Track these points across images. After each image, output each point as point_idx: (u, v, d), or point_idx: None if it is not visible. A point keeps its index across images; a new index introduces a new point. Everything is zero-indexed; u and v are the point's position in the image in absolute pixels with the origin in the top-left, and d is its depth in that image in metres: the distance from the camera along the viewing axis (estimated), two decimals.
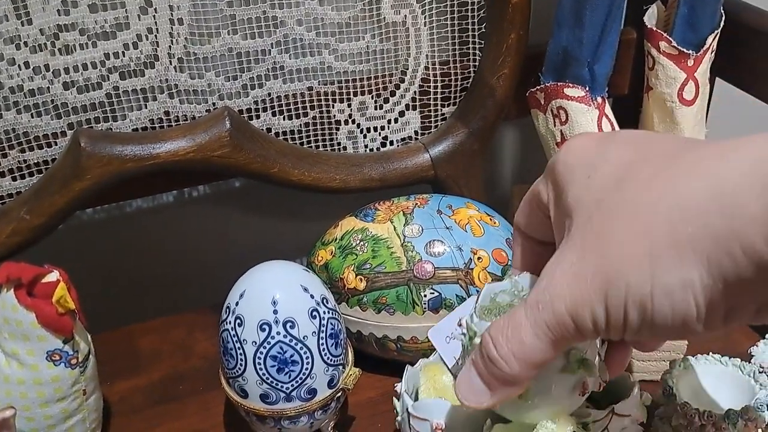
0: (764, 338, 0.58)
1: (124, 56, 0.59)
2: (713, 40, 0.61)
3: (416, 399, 0.51)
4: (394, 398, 0.52)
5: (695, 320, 0.31)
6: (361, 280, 0.59)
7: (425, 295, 0.58)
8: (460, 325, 0.48)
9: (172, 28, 0.59)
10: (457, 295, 0.58)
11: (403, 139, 0.71)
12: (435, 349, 0.53)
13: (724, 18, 0.61)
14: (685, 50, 0.60)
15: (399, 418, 0.51)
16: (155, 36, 0.59)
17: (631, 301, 0.31)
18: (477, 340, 0.43)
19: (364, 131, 0.69)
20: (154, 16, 0.58)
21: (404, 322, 0.59)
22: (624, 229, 0.31)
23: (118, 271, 0.75)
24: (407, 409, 0.49)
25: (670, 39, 0.60)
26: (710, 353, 0.55)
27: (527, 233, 0.43)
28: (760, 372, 0.52)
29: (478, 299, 0.46)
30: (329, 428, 0.57)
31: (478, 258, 0.59)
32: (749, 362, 0.55)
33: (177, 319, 0.72)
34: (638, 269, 0.31)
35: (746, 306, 0.30)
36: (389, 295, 0.59)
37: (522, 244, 0.44)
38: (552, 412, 0.45)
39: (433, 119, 0.71)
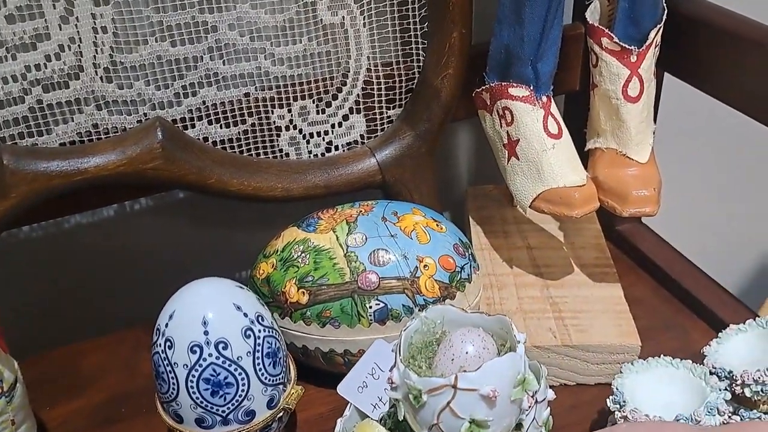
0: (718, 336, 0.57)
1: (46, 68, 0.56)
2: (656, 34, 0.59)
3: None
4: None
5: None
6: (303, 293, 0.57)
7: (371, 307, 0.56)
8: (390, 382, 0.46)
9: (96, 36, 0.56)
10: (403, 305, 0.56)
11: (348, 144, 0.69)
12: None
13: (666, 11, 0.60)
14: (627, 46, 0.58)
15: None
16: (78, 46, 0.56)
17: None
18: (424, 398, 0.43)
19: (307, 137, 0.67)
20: (76, 25, 0.55)
21: (350, 335, 0.57)
22: None
23: (59, 290, 0.72)
24: None
25: (612, 35, 0.59)
26: (662, 355, 0.54)
27: None
28: (711, 374, 0.51)
29: (399, 351, 0.45)
30: None
31: (425, 266, 0.57)
32: (702, 363, 0.54)
33: (122, 336, 0.69)
34: None
35: None
36: (333, 308, 0.56)
37: None
38: None
39: (378, 122, 0.69)
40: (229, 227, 0.76)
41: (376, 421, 0.51)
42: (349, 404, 0.52)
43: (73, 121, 0.59)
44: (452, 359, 0.45)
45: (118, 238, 0.72)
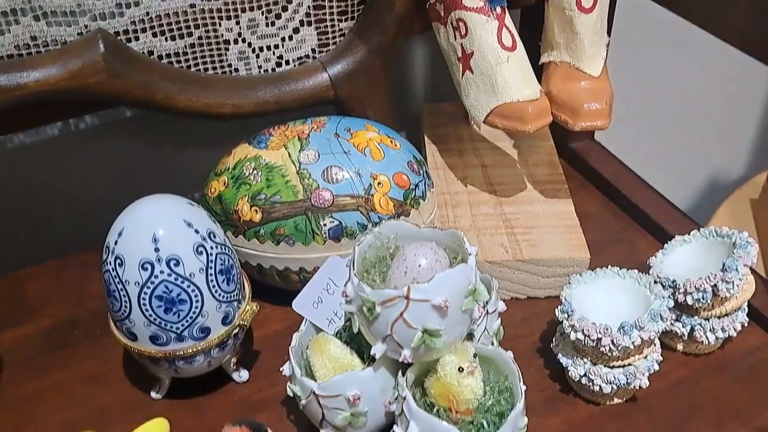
0: (663, 248, 0.58)
1: None
2: None
3: (313, 378, 0.49)
4: (288, 385, 0.50)
5: None
6: (256, 211, 0.56)
7: (325, 225, 0.56)
8: (344, 296, 0.46)
9: None
10: (358, 223, 0.56)
11: (299, 59, 0.67)
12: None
13: None
14: None
15: (303, 401, 0.49)
16: None
17: None
18: (378, 309, 0.43)
19: (257, 51, 0.65)
20: None
21: (305, 252, 0.57)
22: None
23: (1, 214, 0.70)
24: (313, 391, 0.47)
25: None
26: (609, 266, 0.55)
27: None
28: (655, 282, 0.53)
29: (353, 265, 0.45)
30: (231, 365, 0.55)
31: (379, 183, 0.57)
32: (648, 273, 0.56)
33: (69, 261, 0.68)
34: None
35: None
36: (287, 225, 0.56)
37: None
38: (454, 343, 0.45)
39: (330, 36, 0.67)
40: (180, 147, 0.75)
41: (332, 335, 0.51)
42: (304, 320, 0.52)
43: (9, 32, 0.56)
44: (405, 272, 0.45)
45: (63, 160, 0.70)
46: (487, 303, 0.53)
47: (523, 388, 0.46)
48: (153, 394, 0.55)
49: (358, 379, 0.47)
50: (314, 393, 0.47)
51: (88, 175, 0.72)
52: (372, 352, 0.46)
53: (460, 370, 0.45)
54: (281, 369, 0.50)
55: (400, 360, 0.45)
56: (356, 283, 0.45)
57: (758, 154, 1.19)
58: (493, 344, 0.52)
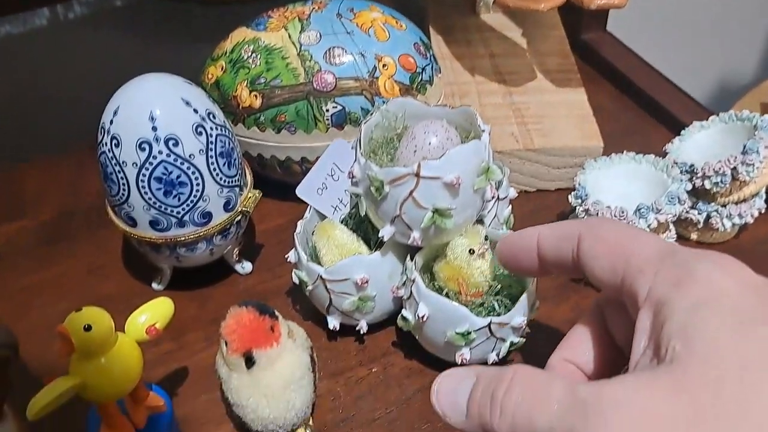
0: (680, 134, 0.56)
1: None
2: None
3: (320, 263, 0.48)
4: (294, 271, 0.48)
5: None
6: (255, 96, 0.54)
7: (327, 110, 0.54)
8: (351, 177, 0.44)
9: None
10: (362, 108, 0.54)
11: None
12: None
13: None
14: None
15: (310, 287, 0.47)
16: None
17: None
18: (387, 189, 0.42)
19: None
20: None
21: (307, 141, 0.55)
22: None
23: None
24: (320, 276, 0.46)
25: None
26: (625, 152, 0.53)
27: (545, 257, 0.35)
28: (672, 166, 0.51)
29: (359, 144, 0.43)
30: (234, 256, 0.54)
31: (384, 65, 0.54)
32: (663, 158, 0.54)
33: (63, 156, 0.66)
34: None
35: None
36: (288, 111, 0.54)
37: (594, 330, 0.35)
38: (465, 225, 0.44)
39: None
40: (174, 38, 0.71)
41: (338, 222, 0.50)
42: (309, 207, 0.50)
43: None
44: (415, 151, 0.43)
45: (53, 52, 0.67)
46: (499, 185, 0.52)
47: None
48: (154, 285, 0.54)
49: (366, 262, 0.46)
50: (321, 278, 0.46)
51: (78, 69, 0.69)
52: (380, 235, 0.44)
53: (471, 252, 0.44)
54: (287, 256, 0.49)
55: (409, 242, 0.44)
56: (363, 162, 0.43)
57: None
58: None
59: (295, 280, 0.48)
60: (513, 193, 0.51)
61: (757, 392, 0.24)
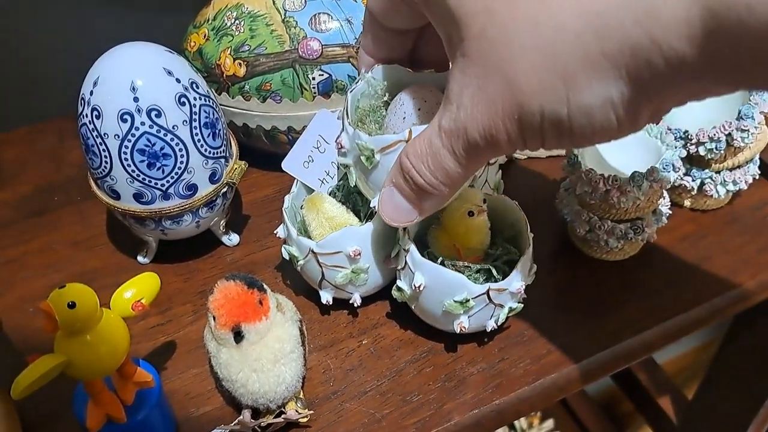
0: None
1: None
2: None
3: (309, 238, 0.47)
4: (283, 247, 0.48)
5: (617, 130, 0.30)
6: (240, 64, 0.52)
7: (313, 78, 0.52)
8: (340, 147, 0.43)
9: None
10: (349, 76, 0.53)
11: None
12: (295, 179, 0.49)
13: None
14: None
15: (301, 262, 0.46)
16: None
17: (547, 123, 0.30)
18: (377, 157, 0.41)
19: None
20: None
21: (293, 110, 0.54)
22: (529, 51, 0.29)
23: None
24: (311, 250, 0.45)
25: None
26: None
27: (383, 22, 0.40)
28: (666, 133, 0.50)
29: (346, 113, 0.42)
30: (220, 228, 0.53)
31: None
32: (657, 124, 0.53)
33: (44, 127, 0.65)
34: (552, 93, 0.29)
35: (669, 103, 0.30)
36: (273, 80, 0.52)
37: (375, 32, 0.41)
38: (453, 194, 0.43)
39: None
40: (154, 3, 0.69)
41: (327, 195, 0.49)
42: (295, 181, 0.49)
43: None
44: (404, 117, 0.42)
45: (31, 19, 0.65)
46: None
47: (531, 235, 0.44)
48: (140, 258, 0.53)
49: (358, 234, 0.45)
50: (313, 252, 0.45)
51: (59, 37, 0.67)
52: (372, 205, 0.44)
53: (471, 214, 0.43)
54: (275, 231, 0.48)
55: None
56: (352, 132, 0.42)
57: None
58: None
59: (285, 255, 0.47)
60: (502, 158, 0.50)
61: None
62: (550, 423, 0.94)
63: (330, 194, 0.49)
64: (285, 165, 0.49)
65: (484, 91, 0.31)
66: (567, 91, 0.29)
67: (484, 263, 0.44)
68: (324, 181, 0.49)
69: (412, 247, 0.43)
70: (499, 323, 0.45)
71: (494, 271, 0.44)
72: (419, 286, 0.43)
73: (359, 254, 0.45)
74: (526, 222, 0.44)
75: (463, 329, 0.43)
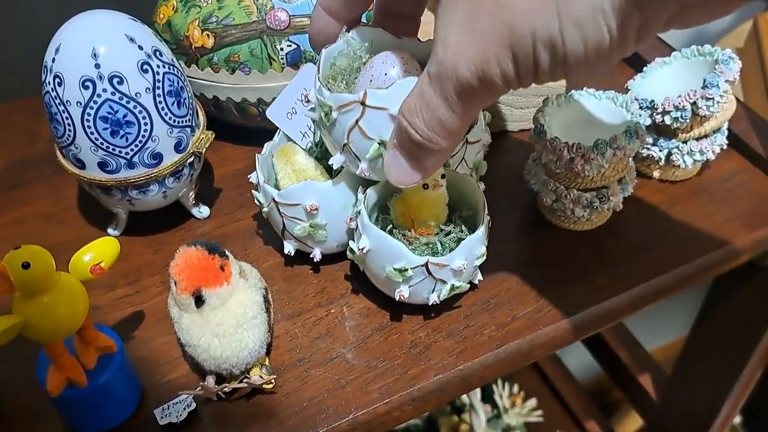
0: (642, 72, 0.55)
1: None
2: None
3: (277, 187, 0.47)
4: (253, 191, 0.48)
5: (608, 46, 0.29)
6: (208, 36, 0.52)
7: (282, 49, 0.52)
8: (307, 101, 0.43)
9: None
10: None
11: None
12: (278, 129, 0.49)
13: None
14: None
15: (265, 209, 0.47)
16: None
17: (539, 43, 0.29)
18: (334, 115, 0.41)
19: None
20: None
21: (262, 81, 0.54)
22: None
23: None
24: (273, 198, 0.46)
25: None
26: (585, 89, 0.52)
27: None
28: (632, 102, 0.50)
29: (318, 68, 0.42)
30: (190, 199, 0.53)
31: None
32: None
33: (17, 105, 0.65)
34: (542, 9, 0.28)
35: (658, 17, 0.28)
36: (242, 51, 0.52)
37: None
38: None
39: None
40: None
41: (303, 148, 0.49)
42: (278, 130, 0.49)
43: None
44: (370, 80, 0.42)
45: None
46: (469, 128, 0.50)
47: (487, 217, 0.44)
48: (110, 231, 0.53)
49: (317, 189, 0.45)
50: (275, 201, 0.46)
51: (31, 14, 0.67)
52: (330, 163, 0.44)
53: (425, 187, 0.43)
54: (249, 176, 0.48)
55: (358, 173, 0.43)
56: (317, 86, 0.42)
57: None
58: (471, 177, 0.49)
59: (256, 201, 0.48)
60: (487, 138, 0.50)
61: None
62: (532, 402, 0.94)
63: (309, 149, 0.49)
64: (269, 112, 0.49)
65: (471, 22, 0.30)
66: (557, 3, 0.28)
67: (434, 236, 0.44)
68: (305, 135, 0.49)
69: (363, 210, 0.43)
70: (441, 298, 0.45)
71: (440, 246, 0.44)
72: (363, 249, 0.43)
73: (316, 209, 0.45)
74: (485, 204, 0.44)
75: (403, 297, 0.44)
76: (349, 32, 0.43)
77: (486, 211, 0.44)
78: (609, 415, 1.21)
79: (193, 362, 0.44)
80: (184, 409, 0.42)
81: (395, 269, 0.42)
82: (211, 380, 0.43)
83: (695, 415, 0.75)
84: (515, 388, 0.97)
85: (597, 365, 0.95)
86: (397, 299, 0.44)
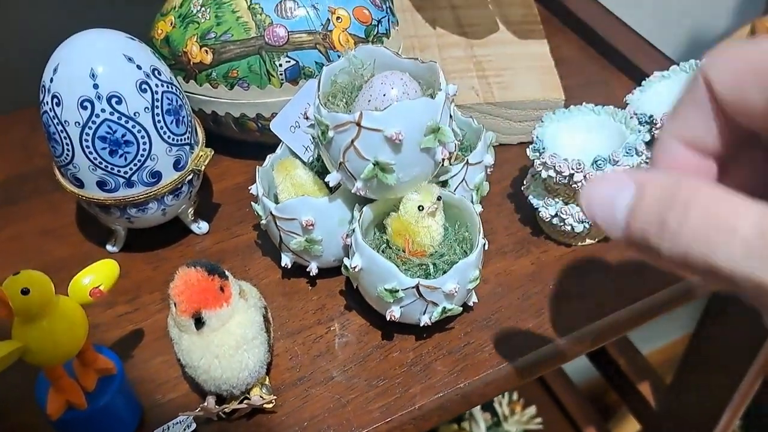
0: (640, 86, 0.55)
1: None
2: None
3: (276, 200, 0.47)
4: (252, 203, 0.48)
5: None
6: (206, 52, 0.52)
7: (280, 65, 0.52)
8: (306, 118, 0.43)
9: None
10: (316, 62, 0.52)
11: None
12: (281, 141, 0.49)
13: None
14: None
15: (263, 221, 0.47)
16: None
17: None
18: (331, 134, 0.41)
19: None
20: None
21: (261, 96, 0.53)
22: None
23: None
24: (271, 212, 0.46)
25: None
26: (584, 103, 0.52)
27: (728, 105, 0.25)
28: (631, 117, 0.50)
29: (318, 84, 0.42)
30: (189, 216, 0.53)
31: (337, 18, 0.52)
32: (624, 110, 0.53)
33: (16, 117, 0.64)
34: None
35: None
36: (240, 67, 0.52)
37: (702, 110, 0.25)
38: (414, 184, 0.43)
39: None
40: None
41: (304, 162, 0.49)
42: (281, 143, 0.49)
43: None
44: (369, 100, 0.42)
45: (1, 11, 0.65)
46: (463, 149, 0.50)
47: (483, 241, 0.44)
48: (109, 247, 0.53)
49: (314, 205, 0.45)
50: (272, 214, 0.46)
51: (29, 29, 0.66)
52: (326, 180, 0.44)
53: (420, 208, 0.43)
54: (249, 188, 0.48)
55: (353, 191, 0.43)
56: (316, 104, 0.42)
57: (741, 7, 1.14)
58: (472, 199, 0.48)
59: (255, 213, 0.48)
60: (489, 160, 0.49)
61: None
62: (532, 409, 0.94)
63: (310, 163, 0.49)
64: (273, 125, 0.49)
65: None
66: None
67: (429, 258, 0.43)
68: (308, 149, 0.50)
69: (357, 228, 0.43)
70: (433, 320, 0.44)
71: (432, 269, 0.43)
72: (355, 267, 0.43)
73: (312, 225, 0.45)
74: (480, 227, 0.44)
75: (394, 318, 0.44)
76: (351, 51, 0.43)
77: (482, 235, 0.44)
78: (607, 418, 1.22)
79: (193, 382, 0.44)
80: (184, 429, 0.42)
81: (386, 290, 0.42)
82: (211, 401, 0.43)
83: (694, 423, 0.75)
84: (515, 396, 0.97)
85: (595, 367, 0.95)
86: (388, 319, 0.44)
